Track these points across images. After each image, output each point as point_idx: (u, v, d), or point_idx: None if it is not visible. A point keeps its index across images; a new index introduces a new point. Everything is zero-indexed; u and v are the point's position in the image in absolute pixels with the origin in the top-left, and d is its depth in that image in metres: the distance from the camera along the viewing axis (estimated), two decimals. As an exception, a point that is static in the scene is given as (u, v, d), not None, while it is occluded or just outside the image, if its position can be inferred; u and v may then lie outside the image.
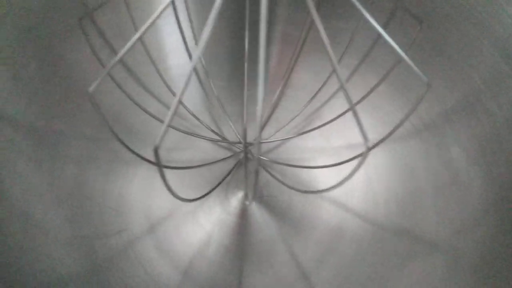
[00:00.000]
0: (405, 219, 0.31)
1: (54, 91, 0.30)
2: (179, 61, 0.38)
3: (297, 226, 0.34)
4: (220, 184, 0.35)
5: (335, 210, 0.34)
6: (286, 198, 0.35)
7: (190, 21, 0.34)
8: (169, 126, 0.16)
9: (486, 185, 0.28)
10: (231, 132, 0.38)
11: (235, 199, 0.35)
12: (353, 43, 0.32)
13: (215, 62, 0.39)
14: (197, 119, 0.37)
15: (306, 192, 0.32)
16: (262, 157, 0.37)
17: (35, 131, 0.29)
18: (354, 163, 0.20)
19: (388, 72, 0.27)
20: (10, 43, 0.28)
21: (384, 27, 0.19)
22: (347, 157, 0.32)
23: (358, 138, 0.17)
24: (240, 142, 0.38)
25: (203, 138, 0.37)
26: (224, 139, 0.38)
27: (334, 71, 0.16)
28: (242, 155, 0.38)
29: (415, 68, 0.21)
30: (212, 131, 0.37)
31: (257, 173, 0.17)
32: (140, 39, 0.18)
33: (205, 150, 0.38)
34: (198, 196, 0.30)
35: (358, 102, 0.31)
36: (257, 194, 0.34)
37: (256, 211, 0.35)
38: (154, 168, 0.34)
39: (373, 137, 0.35)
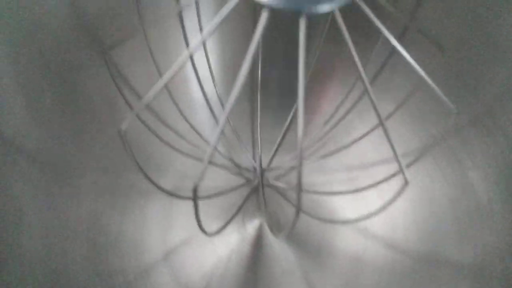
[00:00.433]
0: (425, 245, 0.31)
1: (69, 123, 0.30)
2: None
3: (316, 256, 0.33)
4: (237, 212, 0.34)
5: (355, 237, 0.33)
6: (304, 225, 0.35)
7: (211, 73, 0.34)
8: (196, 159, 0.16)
9: (508, 208, 0.28)
10: (243, 159, 0.38)
11: (252, 227, 0.35)
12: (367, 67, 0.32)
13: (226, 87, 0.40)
14: (215, 148, 0.37)
15: (343, 223, 0.31)
16: (279, 184, 0.37)
17: (51, 165, 0.28)
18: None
19: (408, 96, 0.27)
20: (27, 72, 0.27)
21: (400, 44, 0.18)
22: (363, 181, 0.32)
23: (374, 161, 0.17)
24: (254, 169, 0.38)
25: (219, 167, 0.36)
26: (238, 166, 0.38)
27: (366, 92, 0.16)
28: (256, 181, 0.37)
29: (442, 96, 0.21)
30: (229, 159, 0.37)
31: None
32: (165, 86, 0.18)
33: (217, 177, 0.38)
34: (216, 225, 0.30)
35: (386, 117, 0.30)
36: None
37: (273, 239, 0.34)
38: (169, 199, 0.34)
39: (388, 156, 0.35)
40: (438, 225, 0.31)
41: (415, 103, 0.32)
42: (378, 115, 0.18)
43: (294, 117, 0.40)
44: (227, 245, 0.34)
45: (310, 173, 0.37)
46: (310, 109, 0.38)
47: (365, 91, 0.17)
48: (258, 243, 0.34)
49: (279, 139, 0.39)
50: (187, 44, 0.30)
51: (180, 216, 0.35)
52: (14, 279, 0.23)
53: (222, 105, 0.38)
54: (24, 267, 0.24)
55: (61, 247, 0.27)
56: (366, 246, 0.32)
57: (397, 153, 0.16)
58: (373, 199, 0.34)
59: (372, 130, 0.32)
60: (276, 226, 0.33)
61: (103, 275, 0.28)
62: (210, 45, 0.36)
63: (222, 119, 0.15)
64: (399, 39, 0.27)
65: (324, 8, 0.16)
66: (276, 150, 0.39)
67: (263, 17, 0.15)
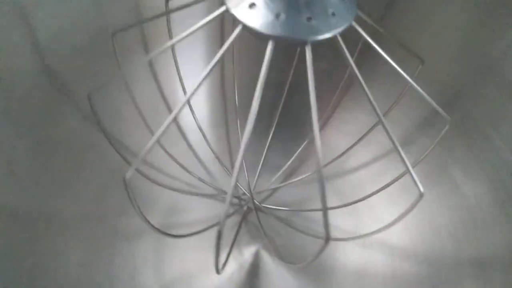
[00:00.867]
0: (424, 247, 0.32)
1: (44, 173, 0.28)
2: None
3: (316, 277, 0.33)
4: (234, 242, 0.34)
5: (354, 250, 0.33)
6: (299, 243, 0.34)
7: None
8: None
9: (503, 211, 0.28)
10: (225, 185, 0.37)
11: (248, 252, 0.34)
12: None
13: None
14: (201, 179, 0.36)
15: (354, 238, 0.30)
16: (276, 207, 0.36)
17: (31, 220, 0.26)
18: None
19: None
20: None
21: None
22: (352, 197, 0.32)
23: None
24: (243, 194, 0.37)
25: (206, 197, 0.36)
26: (223, 192, 0.37)
27: (379, 122, 0.17)
28: (245, 207, 0.37)
29: (436, 106, 0.22)
30: (216, 187, 0.37)
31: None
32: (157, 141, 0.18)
33: (205, 207, 0.37)
34: (211, 256, 0.29)
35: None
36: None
37: (272, 265, 0.33)
38: (157, 236, 0.32)
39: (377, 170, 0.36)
40: (435, 241, 0.31)
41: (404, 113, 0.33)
42: (379, 115, 0.18)
43: (272, 138, 0.41)
44: (224, 275, 0.33)
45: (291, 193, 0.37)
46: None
47: (370, 105, 0.17)
48: (255, 271, 0.34)
49: (261, 162, 0.39)
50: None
51: (171, 251, 0.33)
52: None
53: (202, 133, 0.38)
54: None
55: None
56: (365, 259, 0.33)
57: (409, 165, 0.17)
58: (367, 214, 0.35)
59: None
60: (275, 250, 0.33)
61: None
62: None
63: (239, 157, 0.15)
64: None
65: (326, 35, 0.16)
66: (259, 172, 0.39)
67: (269, 49, 0.15)
